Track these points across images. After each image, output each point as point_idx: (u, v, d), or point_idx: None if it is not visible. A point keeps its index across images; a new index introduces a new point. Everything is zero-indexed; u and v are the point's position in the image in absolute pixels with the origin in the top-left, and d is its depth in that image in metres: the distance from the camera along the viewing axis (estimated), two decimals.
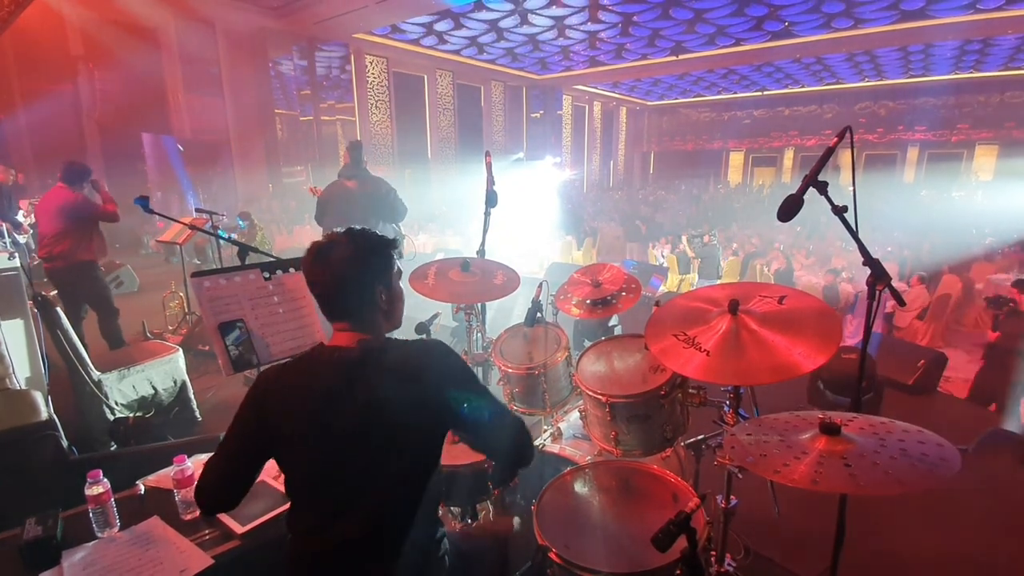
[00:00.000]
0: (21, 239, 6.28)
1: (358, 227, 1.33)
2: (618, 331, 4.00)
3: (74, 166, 4.19)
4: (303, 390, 1.25)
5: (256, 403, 1.27)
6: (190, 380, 3.61)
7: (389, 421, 1.23)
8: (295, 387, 1.26)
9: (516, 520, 1.69)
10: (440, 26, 12.66)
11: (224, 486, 1.30)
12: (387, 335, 1.36)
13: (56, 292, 4.30)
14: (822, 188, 1.49)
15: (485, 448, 1.44)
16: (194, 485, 1.64)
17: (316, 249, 1.30)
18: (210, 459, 1.31)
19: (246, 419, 1.27)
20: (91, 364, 3.05)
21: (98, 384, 3.06)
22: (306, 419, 1.23)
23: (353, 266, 1.28)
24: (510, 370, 2.28)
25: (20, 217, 6.46)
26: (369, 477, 1.23)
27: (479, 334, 2.71)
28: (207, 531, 1.59)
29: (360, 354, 1.27)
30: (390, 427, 1.23)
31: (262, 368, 2.04)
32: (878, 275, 1.50)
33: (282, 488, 1.31)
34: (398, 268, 1.37)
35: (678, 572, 1.32)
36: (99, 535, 1.55)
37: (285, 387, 1.27)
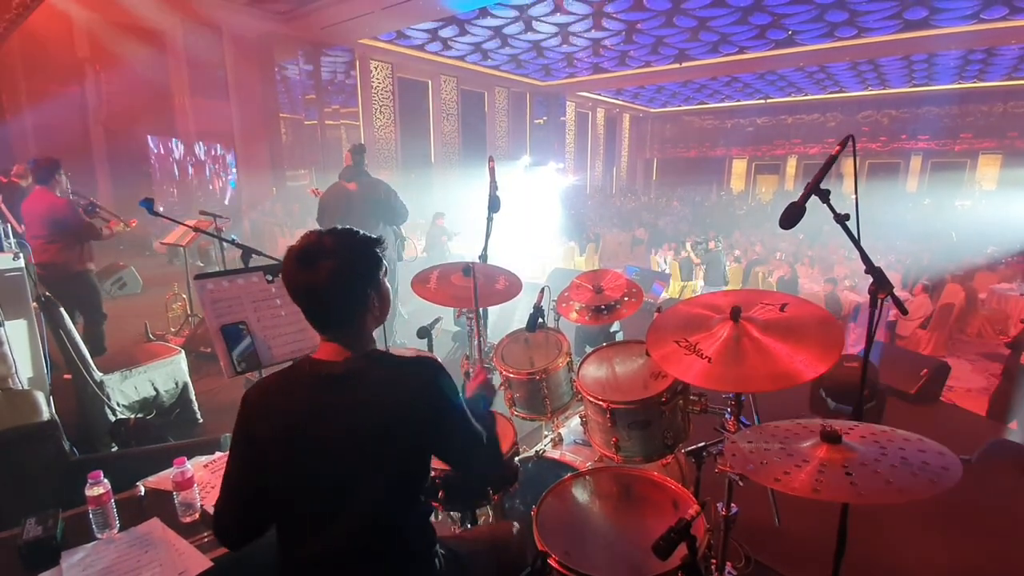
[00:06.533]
0: None
1: (340, 227, 1.24)
2: (620, 337, 4.00)
3: (39, 163, 3.99)
4: (286, 406, 1.22)
5: (244, 425, 1.24)
6: (192, 382, 3.62)
7: (374, 438, 1.21)
8: (278, 403, 1.23)
9: (515, 526, 1.68)
10: (445, 32, 12.73)
11: (240, 518, 1.26)
12: (376, 347, 1.32)
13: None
14: (824, 196, 1.49)
15: (457, 465, 1.49)
16: (192, 488, 1.66)
17: (296, 255, 1.20)
18: (218, 499, 1.26)
19: (239, 442, 1.25)
20: (93, 365, 3.06)
21: (100, 385, 3.06)
22: (291, 435, 1.20)
23: (342, 276, 1.19)
24: (511, 375, 2.28)
25: None
26: (355, 492, 1.21)
27: (480, 339, 2.71)
28: (206, 533, 1.58)
29: (345, 370, 1.23)
30: (375, 445, 1.21)
31: (261, 370, 2.04)
32: (881, 283, 1.50)
33: None
34: (385, 266, 1.29)
35: None
36: (99, 536, 1.55)
37: (269, 404, 1.24)
